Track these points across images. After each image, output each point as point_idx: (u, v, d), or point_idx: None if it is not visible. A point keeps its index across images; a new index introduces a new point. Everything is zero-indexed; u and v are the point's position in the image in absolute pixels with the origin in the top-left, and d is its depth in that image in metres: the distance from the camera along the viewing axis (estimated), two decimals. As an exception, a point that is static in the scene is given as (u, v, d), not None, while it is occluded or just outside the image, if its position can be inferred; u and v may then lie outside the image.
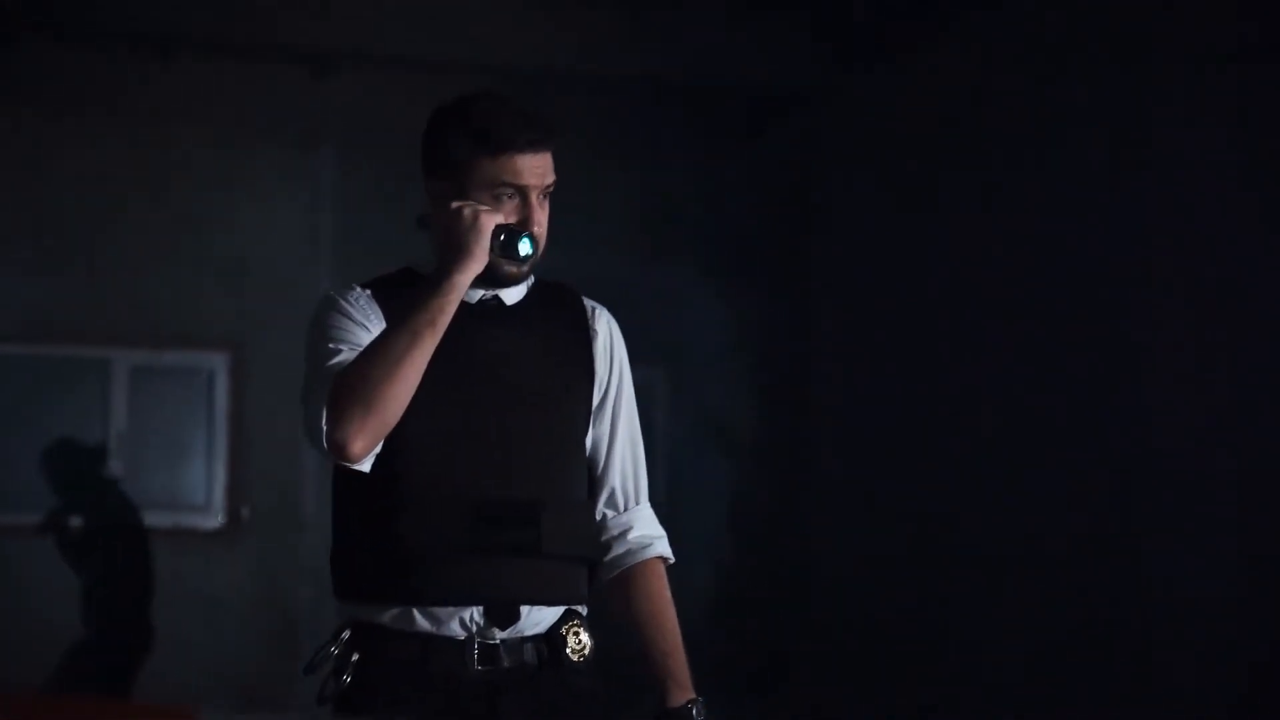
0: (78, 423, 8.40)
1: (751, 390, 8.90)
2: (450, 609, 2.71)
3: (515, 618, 2.73)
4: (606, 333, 2.90)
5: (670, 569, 2.93)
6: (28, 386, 8.50)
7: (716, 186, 9.02)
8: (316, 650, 2.76)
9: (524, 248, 2.72)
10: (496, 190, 2.72)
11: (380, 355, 2.62)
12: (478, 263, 2.68)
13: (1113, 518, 6.16)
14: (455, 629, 2.71)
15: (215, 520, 8.65)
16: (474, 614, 2.71)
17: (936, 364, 7.39)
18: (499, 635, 2.72)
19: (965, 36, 7.22)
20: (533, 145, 2.72)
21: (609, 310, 2.94)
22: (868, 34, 7.70)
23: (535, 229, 2.74)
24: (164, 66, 8.12)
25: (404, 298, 2.75)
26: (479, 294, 2.80)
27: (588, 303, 2.92)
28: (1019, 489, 6.72)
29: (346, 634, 2.76)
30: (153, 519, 8.42)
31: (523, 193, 2.73)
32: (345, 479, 2.77)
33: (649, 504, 2.96)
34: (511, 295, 2.84)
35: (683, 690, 2.84)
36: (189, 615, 8.22)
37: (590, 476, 2.89)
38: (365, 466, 2.67)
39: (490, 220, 2.69)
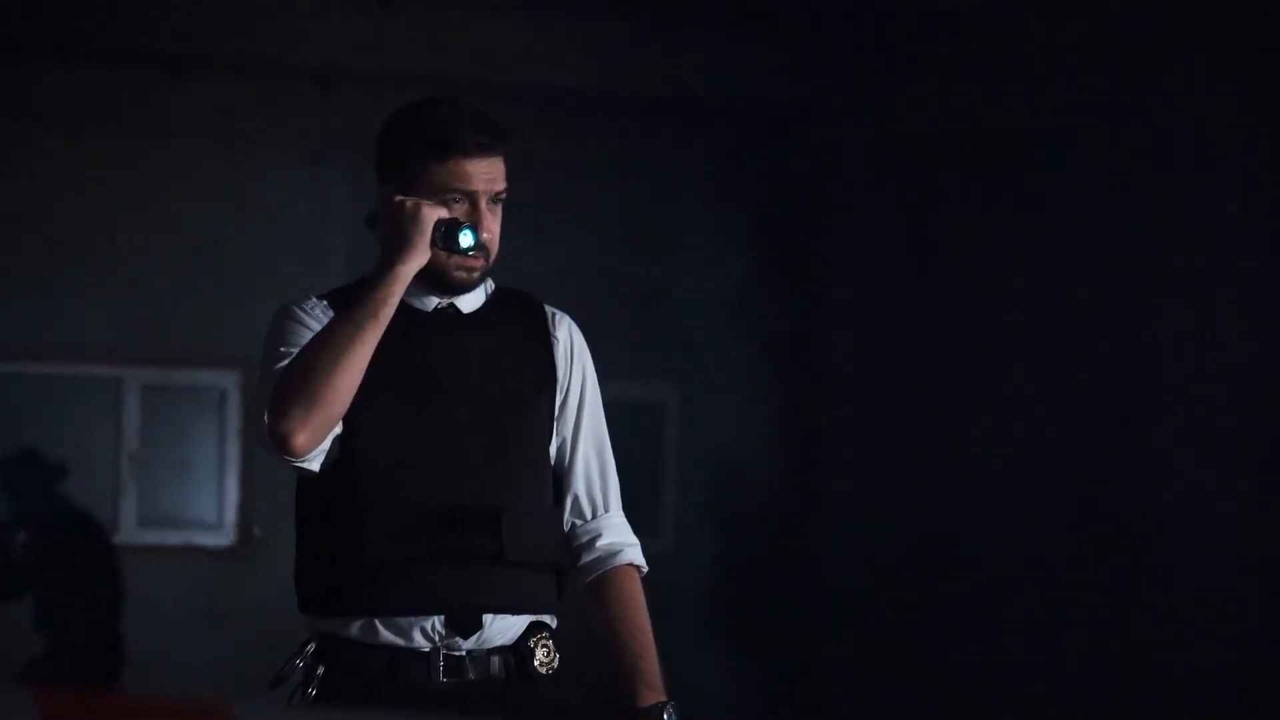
0: (89, 442, 8.43)
1: (759, 400, 8.91)
2: (412, 619, 2.67)
3: (478, 626, 2.69)
4: (567, 338, 2.86)
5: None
6: (39, 405, 8.53)
7: (727, 201, 9.05)
8: (283, 664, 2.75)
9: (465, 239, 2.69)
10: (445, 196, 2.70)
11: (322, 348, 2.61)
12: (419, 253, 2.66)
13: (1117, 518, 6.15)
14: (419, 640, 2.68)
15: (227, 538, 8.66)
16: (436, 624, 2.68)
17: (942, 369, 7.39)
18: (464, 647, 2.69)
19: (973, 46, 7.22)
20: (481, 150, 2.71)
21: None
22: (877, 47, 7.71)
23: (483, 235, 2.72)
24: (173, 84, 8.16)
25: None
26: (435, 302, 2.78)
27: (549, 309, 2.90)
28: (1023, 491, 6.70)
29: (311, 647, 2.75)
30: (164, 537, 8.45)
31: (471, 198, 2.71)
32: (305, 490, 2.77)
33: (621, 512, 2.89)
34: (468, 303, 2.81)
35: (653, 691, 2.77)
36: (200, 633, 8.24)
37: (556, 483, 2.85)
38: (314, 465, 2.66)
39: (432, 212, 2.67)
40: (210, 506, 8.67)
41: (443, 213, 2.69)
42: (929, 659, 7.37)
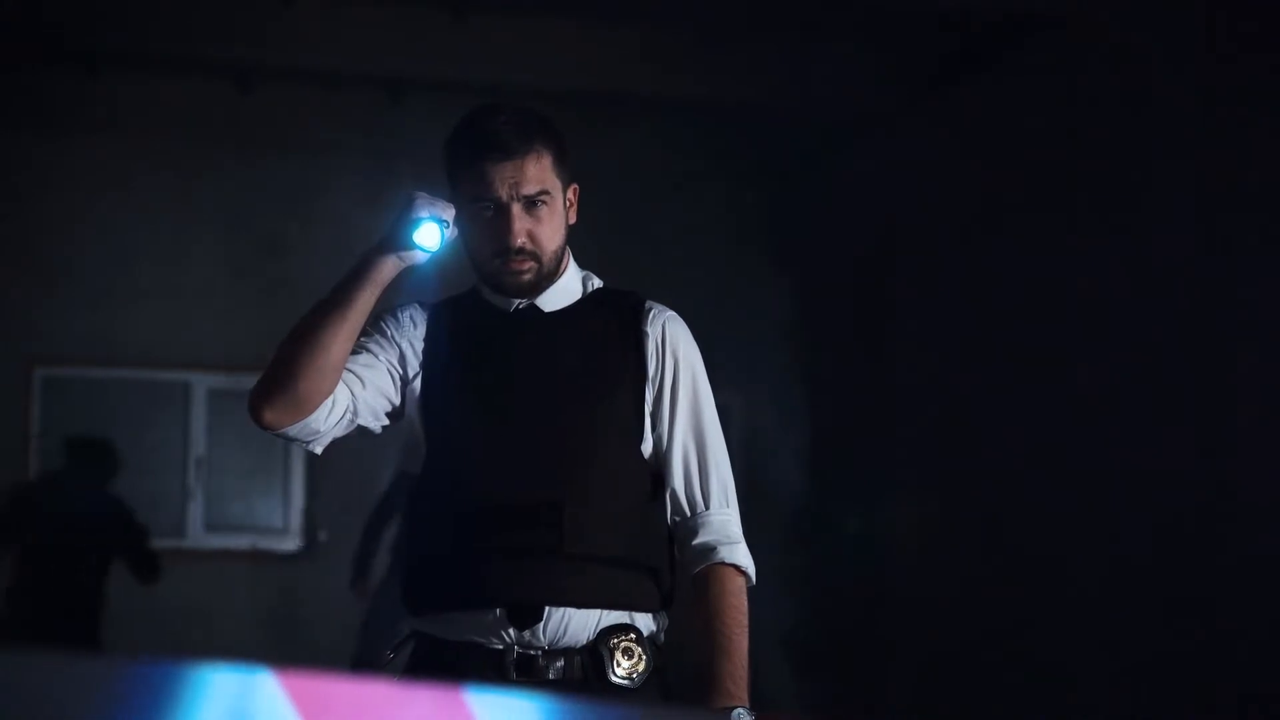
0: (158, 445, 8.51)
1: (827, 412, 8.90)
2: (480, 614, 2.65)
3: (536, 619, 2.64)
4: (659, 333, 2.78)
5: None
6: (108, 409, 8.61)
7: (793, 209, 9.03)
8: (379, 657, 2.78)
9: (421, 237, 2.61)
10: (478, 205, 2.67)
11: (295, 328, 2.62)
12: (392, 242, 2.63)
13: (1192, 525, 6.08)
14: (491, 637, 2.66)
15: (293, 543, 8.72)
16: (502, 620, 2.65)
17: (1015, 375, 7.34)
18: (541, 642, 2.65)
19: (1043, 51, 7.20)
20: (503, 153, 2.65)
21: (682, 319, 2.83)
22: (941, 54, 7.69)
23: (517, 240, 2.66)
24: (243, 94, 8.24)
25: (456, 314, 2.79)
26: (515, 303, 2.77)
27: (650, 305, 2.82)
28: (1097, 500, 6.64)
29: (406, 643, 2.76)
30: (230, 541, 8.50)
31: (495, 203, 2.66)
32: (409, 493, 2.81)
33: (725, 509, 2.80)
34: (550, 302, 2.78)
35: (720, 695, 2.64)
36: (266, 636, 8.29)
37: (657, 480, 2.79)
38: (317, 449, 2.69)
39: (422, 207, 2.62)
40: (276, 511, 8.73)
41: (446, 213, 2.64)
42: (1000, 671, 7.32)
